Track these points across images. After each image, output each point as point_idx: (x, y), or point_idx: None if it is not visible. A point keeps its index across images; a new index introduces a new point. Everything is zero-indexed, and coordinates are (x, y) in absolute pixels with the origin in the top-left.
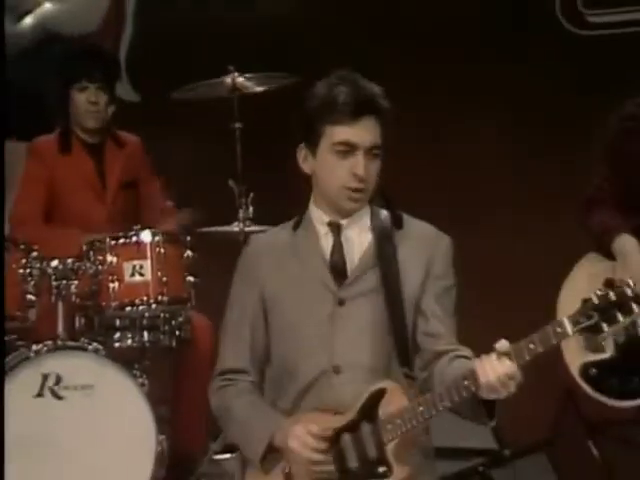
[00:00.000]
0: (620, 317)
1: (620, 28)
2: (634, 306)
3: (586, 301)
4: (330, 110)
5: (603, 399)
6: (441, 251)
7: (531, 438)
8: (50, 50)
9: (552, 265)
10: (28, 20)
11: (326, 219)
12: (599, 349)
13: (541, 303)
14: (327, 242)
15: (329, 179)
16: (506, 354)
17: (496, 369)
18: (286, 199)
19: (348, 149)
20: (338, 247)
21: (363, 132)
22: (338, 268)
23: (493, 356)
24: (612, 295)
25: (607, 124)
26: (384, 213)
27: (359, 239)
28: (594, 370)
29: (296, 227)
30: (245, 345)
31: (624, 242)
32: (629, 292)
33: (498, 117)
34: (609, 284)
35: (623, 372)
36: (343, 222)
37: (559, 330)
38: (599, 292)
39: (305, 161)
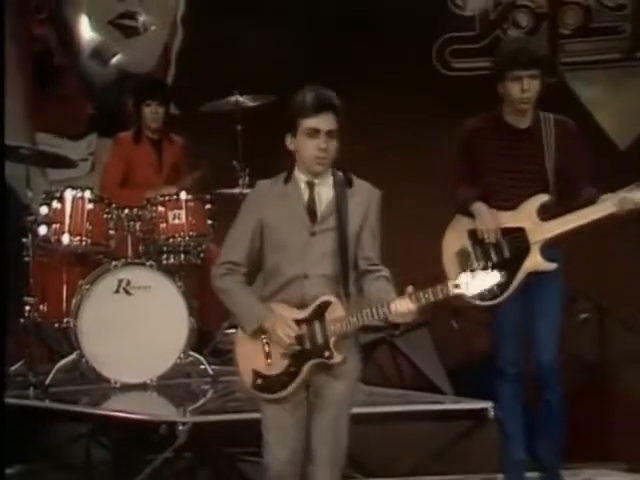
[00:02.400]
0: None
1: (474, 71)
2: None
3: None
4: (302, 109)
5: (471, 300)
6: (374, 203)
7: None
8: (127, 81)
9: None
10: (111, 63)
11: (304, 179)
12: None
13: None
14: (305, 194)
15: (304, 152)
16: (411, 298)
17: (403, 306)
18: (266, 173)
19: (314, 133)
20: (311, 198)
21: (323, 122)
22: (312, 212)
23: (404, 297)
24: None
25: (461, 132)
26: (341, 176)
27: (325, 194)
28: None
29: (286, 181)
30: (243, 247)
31: (478, 206)
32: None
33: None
34: (471, 233)
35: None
36: (316, 181)
37: (445, 291)
38: (463, 247)
39: (290, 143)
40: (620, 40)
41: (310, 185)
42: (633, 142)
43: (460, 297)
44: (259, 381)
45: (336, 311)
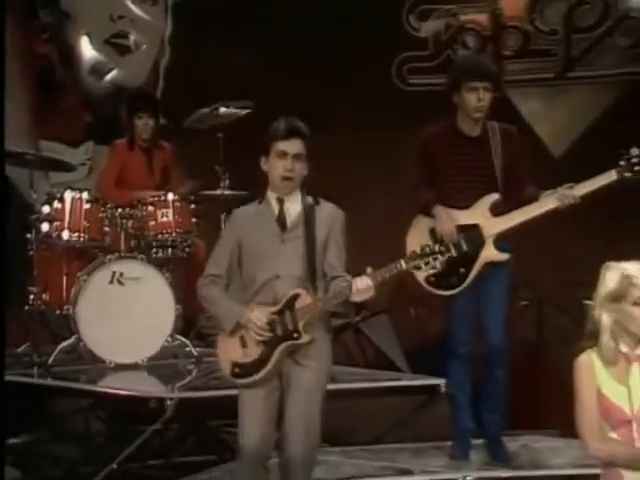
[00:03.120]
0: (439, 255)
1: (428, 87)
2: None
3: (422, 248)
4: (275, 134)
5: (433, 290)
6: (338, 221)
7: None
8: (121, 94)
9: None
10: (107, 78)
11: (275, 196)
12: (434, 267)
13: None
14: (276, 209)
15: (274, 171)
16: (369, 276)
17: (363, 282)
18: (242, 175)
19: (283, 155)
20: (281, 211)
21: (291, 145)
22: (282, 223)
23: (363, 277)
24: (432, 246)
25: (419, 139)
26: (309, 197)
27: (293, 208)
28: (432, 278)
29: (260, 202)
30: (224, 263)
31: (437, 210)
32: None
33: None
34: (432, 231)
35: (446, 276)
36: (285, 198)
37: (398, 267)
38: (424, 243)
39: (264, 164)
40: (554, 62)
41: (280, 201)
42: (566, 151)
43: (421, 286)
44: (236, 370)
45: (304, 301)
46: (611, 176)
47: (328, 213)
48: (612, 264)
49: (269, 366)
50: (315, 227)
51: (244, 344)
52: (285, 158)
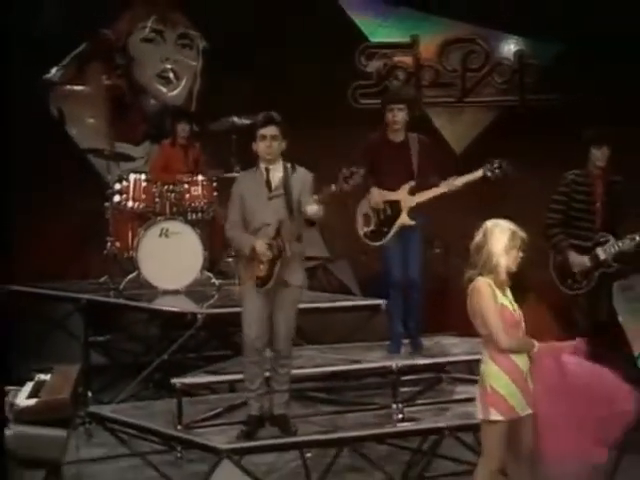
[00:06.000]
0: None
1: (372, 105)
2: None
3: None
4: (258, 124)
5: (368, 242)
6: (308, 180)
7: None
8: (167, 110)
9: None
10: (157, 100)
11: (263, 166)
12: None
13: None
14: (264, 175)
15: (259, 150)
16: (316, 201)
17: (313, 207)
18: (248, 165)
19: (262, 138)
20: (268, 177)
21: (268, 130)
22: (269, 185)
23: (313, 202)
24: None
25: (364, 144)
26: (288, 164)
27: (276, 175)
28: (368, 234)
29: (255, 170)
30: (235, 212)
31: (372, 190)
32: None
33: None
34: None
35: (376, 233)
36: (270, 167)
37: (336, 187)
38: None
39: (254, 146)
40: (454, 91)
41: (267, 170)
42: (463, 150)
43: (365, 243)
44: (258, 282)
45: (287, 229)
46: (479, 174)
47: (301, 176)
48: (494, 222)
49: (273, 280)
50: (292, 187)
51: (260, 263)
52: (265, 140)
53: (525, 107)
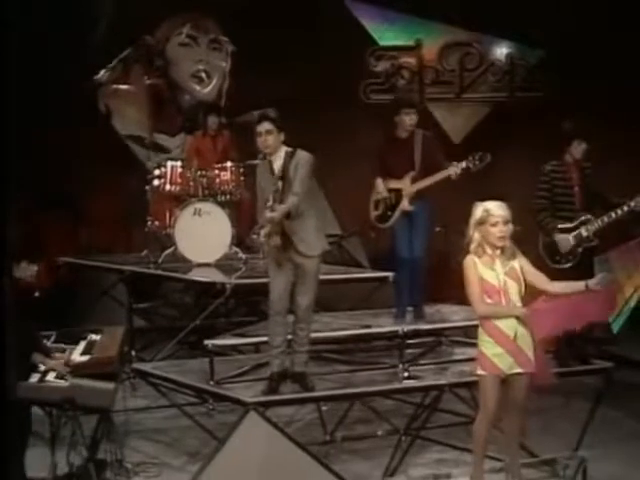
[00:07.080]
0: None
1: (381, 101)
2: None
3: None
4: (255, 122)
5: (377, 224)
6: (302, 159)
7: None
8: (200, 105)
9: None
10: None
11: (269, 157)
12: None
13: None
14: (268, 164)
15: (258, 144)
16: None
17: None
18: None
19: (259, 134)
20: (271, 166)
21: (262, 127)
22: (274, 172)
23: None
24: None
25: (378, 142)
26: (290, 150)
27: (277, 162)
28: (377, 217)
29: (264, 158)
30: (261, 193)
31: (377, 181)
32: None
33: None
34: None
35: (383, 216)
36: (273, 157)
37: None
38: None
39: (257, 140)
40: (453, 87)
41: (270, 160)
42: (461, 140)
43: (373, 223)
44: (275, 250)
45: (278, 197)
46: (459, 167)
47: (297, 157)
48: (478, 203)
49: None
50: (289, 170)
51: (274, 234)
52: (261, 135)
53: (515, 102)
